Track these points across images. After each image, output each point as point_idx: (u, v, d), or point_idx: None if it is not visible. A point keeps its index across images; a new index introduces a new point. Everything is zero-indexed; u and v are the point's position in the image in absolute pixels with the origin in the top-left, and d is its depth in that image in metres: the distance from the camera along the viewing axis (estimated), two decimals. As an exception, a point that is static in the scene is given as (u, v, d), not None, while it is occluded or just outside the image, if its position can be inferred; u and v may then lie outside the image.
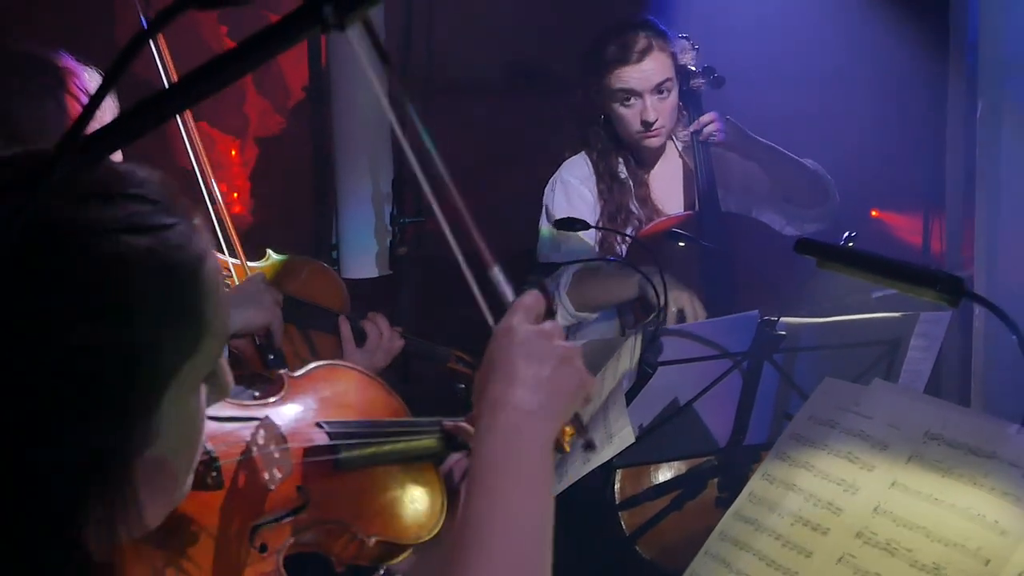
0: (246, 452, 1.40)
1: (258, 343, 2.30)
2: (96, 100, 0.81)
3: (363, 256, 3.46)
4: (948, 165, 3.55)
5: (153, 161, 2.25)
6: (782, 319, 2.48)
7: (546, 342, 1.31)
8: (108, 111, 1.83)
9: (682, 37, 3.45)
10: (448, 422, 1.73)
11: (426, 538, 1.63)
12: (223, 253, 2.51)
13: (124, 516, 1.01)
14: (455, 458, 1.77)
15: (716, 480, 2.65)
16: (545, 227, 3.40)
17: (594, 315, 3.32)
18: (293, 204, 4.46)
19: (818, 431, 1.97)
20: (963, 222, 3.41)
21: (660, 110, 3.30)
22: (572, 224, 2.85)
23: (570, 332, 3.29)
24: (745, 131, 3.38)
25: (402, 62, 3.59)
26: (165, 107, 0.84)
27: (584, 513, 2.76)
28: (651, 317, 2.36)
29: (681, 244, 2.91)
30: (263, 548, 1.38)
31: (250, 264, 2.55)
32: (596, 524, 2.79)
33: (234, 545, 1.35)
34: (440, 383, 2.77)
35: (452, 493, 1.72)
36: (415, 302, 2.78)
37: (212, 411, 1.38)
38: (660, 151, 3.47)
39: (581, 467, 1.98)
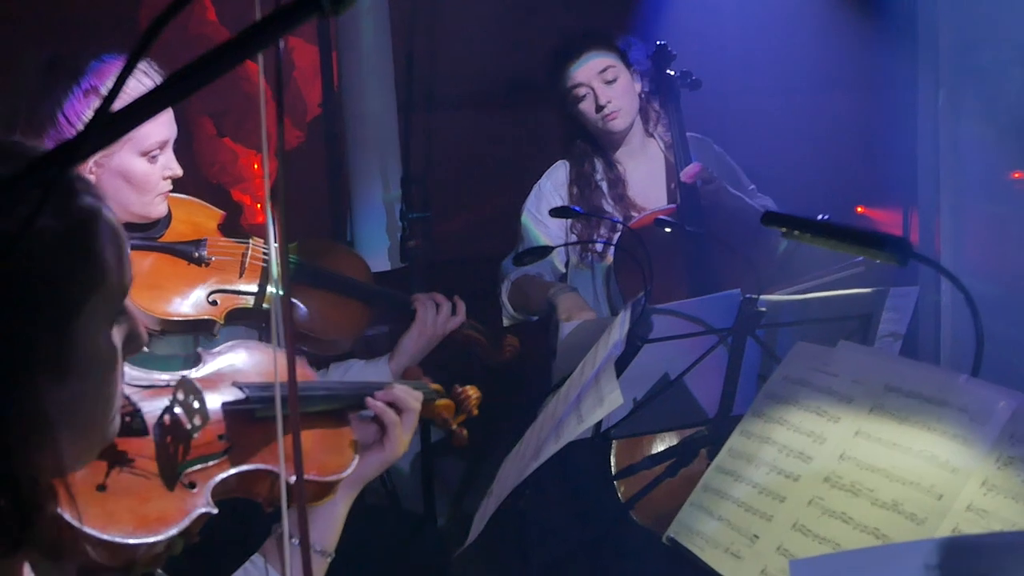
0: (168, 406, 1.61)
1: None
2: (120, 81, 0.90)
3: (377, 251, 3.70)
4: (919, 160, 3.74)
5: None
6: (762, 296, 2.66)
7: None
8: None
9: (659, 44, 3.68)
10: (375, 403, 1.96)
11: (343, 474, 1.82)
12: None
13: (44, 449, 1.15)
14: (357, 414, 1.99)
15: (706, 449, 2.82)
16: (525, 220, 3.75)
17: (534, 317, 3.67)
18: (311, 209, 4.69)
19: (790, 389, 2.14)
20: (935, 213, 3.60)
21: (611, 94, 3.59)
22: (566, 212, 3.09)
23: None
24: (726, 187, 3.57)
25: (408, 79, 3.82)
26: (174, 90, 0.92)
27: (583, 484, 2.94)
28: (639, 296, 2.54)
29: (667, 230, 3.11)
30: (192, 485, 1.57)
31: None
32: (594, 494, 2.95)
33: (165, 482, 1.54)
34: (455, 347, 3.10)
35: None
36: (425, 291, 3.04)
37: (139, 379, 1.62)
38: (625, 134, 3.71)
39: (575, 428, 2.14)
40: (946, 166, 3.42)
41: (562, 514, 3.06)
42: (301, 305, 2.75)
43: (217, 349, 1.88)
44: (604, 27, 3.71)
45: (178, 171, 2.51)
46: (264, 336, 2.52)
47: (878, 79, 4.32)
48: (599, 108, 3.59)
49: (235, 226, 2.76)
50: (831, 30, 4.30)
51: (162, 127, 2.47)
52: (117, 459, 1.49)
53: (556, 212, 3.08)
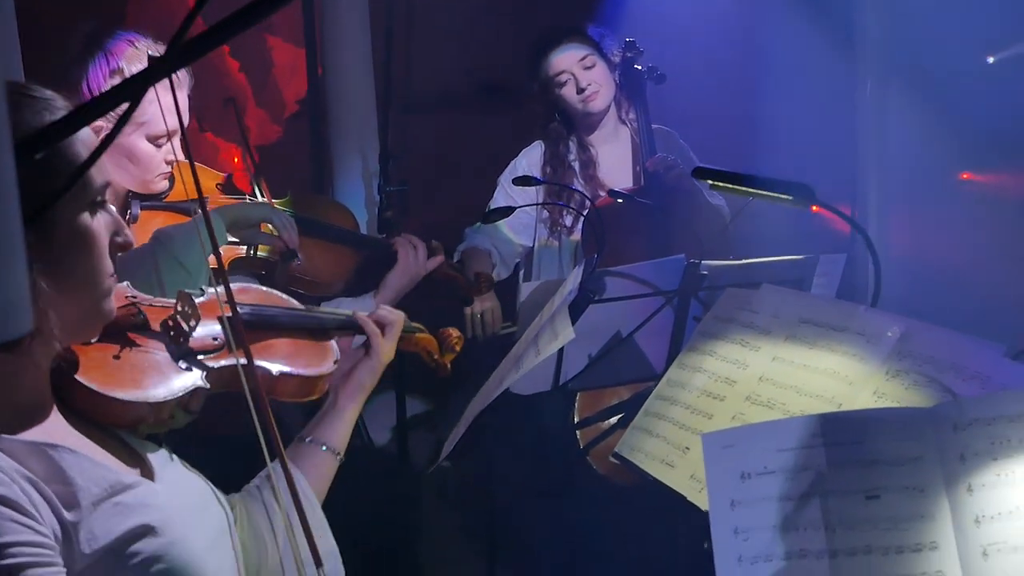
0: (172, 314, 1.88)
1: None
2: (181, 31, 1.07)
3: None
4: (859, 157, 4.09)
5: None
6: (704, 261, 2.97)
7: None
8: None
9: (628, 40, 4.05)
10: (361, 315, 2.26)
11: (320, 371, 2.08)
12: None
13: (46, 321, 1.48)
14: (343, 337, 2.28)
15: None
16: (497, 192, 4.11)
17: None
18: (296, 186, 5.01)
19: (719, 326, 2.47)
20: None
21: (590, 78, 3.95)
22: (528, 180, 3.43)
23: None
24: (687, 172, 3.89)
25: (384, 80, 4.13)
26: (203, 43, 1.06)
27: (548, 432, 3.25)
28: (590, 257, 2.86)
29: (619, 200, 3.45)
30: (189, 369, 1.85)
31: (274, 200, 3.15)
32: (557, 441, 3.26)
33: (167, 364, 1.82)
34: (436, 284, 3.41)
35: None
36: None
37: (149, 300, 1.92)
38: (601, 117, 4.06)
39: (533, 359, 2.45)
40: (879, 162, 3.77)
41: (527, 458, 3.37)
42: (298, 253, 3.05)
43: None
44: (577, 22, 4.08)
45: (180, 157, 2.82)
46: (263, 283, 2.82)
47: (827, 80, 4.64)
48: (580, 90, 3.94)
49: (231, 186, 3.08)
50: (782, 31, 4.61)
51: (173, 118, 2.76)
52: (129, 342, 1.79)
53: (519, 181, 3.42)
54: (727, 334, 2.43)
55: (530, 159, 4.10)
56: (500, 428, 3.31)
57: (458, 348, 2.61)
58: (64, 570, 1.45)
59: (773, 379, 2.27)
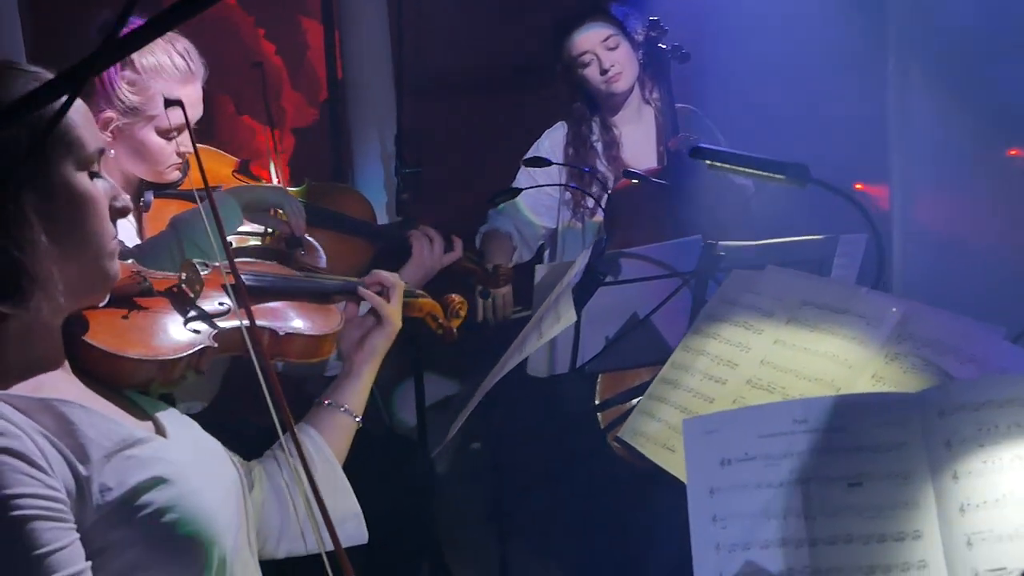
0: (177, 282, 1.94)
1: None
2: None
3: (376, 206, 4.03)
4: (890, 137, 4.02)
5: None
6: (721, 242, 2.93)
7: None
8: None
9: (652, 19, 4.00)
10: (362, 288, 2.29)
11: (325, 331, 2.13)
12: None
13: (51, 278, 1.53)
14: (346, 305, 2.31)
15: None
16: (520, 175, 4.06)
17: None
18: (319, 176, 5.03)
19: (724, 308, 2.43)
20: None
21: (613, 59, 3.94)
22: (539, 161, 3.41)
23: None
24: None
25: (398, 61, 4.13)
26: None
27: (566, 413, 3.24)
28: (599, 238, 2.84)
29: (634, 181, 3.42)
30: (196, 332, 1.89)
31: (290, 188, 3.17)
32: (577, 422, 3.25)
33: (175, 325, 1.87)
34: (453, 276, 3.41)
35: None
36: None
37: (154, 274, 1.96)
38: (625, 97, 4.05)
39: (536, 342, 2.45)
40: (910, 141, 3.70)
41: (544, 440, 3.36)
42: (321, 250, 3.04)
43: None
44: (600, 1, 4.05)
45: (191, 149, 2.84)
46: None
47: (860, 57, 4.55)
48: (603, 72, 3.93)
49: (247, 171, 3.10)
50: (816, 9, 4.54)
51: (181, 113, 2.76)
52: (137, 306, 1.84)
53: (530, 162, 3.41)
54: (731, 316, 2.40)
55: (553, 140, 4.08)
56: (517, 410, 3.31)
57: (462, 313, 2.63)
58: (74, 526, 1.48)
59: (774, 362, 2.23)
